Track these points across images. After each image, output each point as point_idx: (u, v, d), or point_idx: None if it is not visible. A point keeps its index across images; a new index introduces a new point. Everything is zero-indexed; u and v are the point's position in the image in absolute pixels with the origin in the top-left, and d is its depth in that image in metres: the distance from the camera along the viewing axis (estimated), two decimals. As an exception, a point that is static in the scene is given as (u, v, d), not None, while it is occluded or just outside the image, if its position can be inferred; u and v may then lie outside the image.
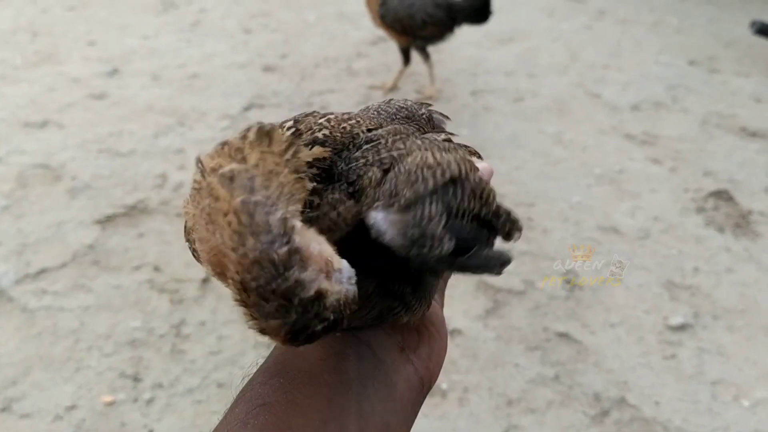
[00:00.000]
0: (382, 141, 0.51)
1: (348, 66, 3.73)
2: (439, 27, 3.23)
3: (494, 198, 0.50)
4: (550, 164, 2.88)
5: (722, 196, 2.70)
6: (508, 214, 0.52)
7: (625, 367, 1.89)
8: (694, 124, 3.29)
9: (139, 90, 3.34)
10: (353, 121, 0.53)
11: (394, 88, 3.45)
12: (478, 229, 0.48)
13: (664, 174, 2.85)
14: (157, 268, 2.15)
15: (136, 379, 1.79)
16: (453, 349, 1.92)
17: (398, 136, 0.52)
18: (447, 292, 2.33)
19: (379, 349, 0.56)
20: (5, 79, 3.39)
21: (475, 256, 0.47)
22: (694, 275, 2.25)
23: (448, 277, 0.69)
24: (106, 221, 2.35)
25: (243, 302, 0.39)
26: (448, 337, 2.04)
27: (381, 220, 0.44)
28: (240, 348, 1.89)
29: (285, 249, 0.39)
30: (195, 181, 0.44)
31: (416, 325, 0.60)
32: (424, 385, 0.57)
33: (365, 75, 3.66)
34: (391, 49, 3.47)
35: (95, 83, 3.38)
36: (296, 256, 0.39)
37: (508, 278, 2.18)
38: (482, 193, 0.49)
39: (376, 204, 0.45)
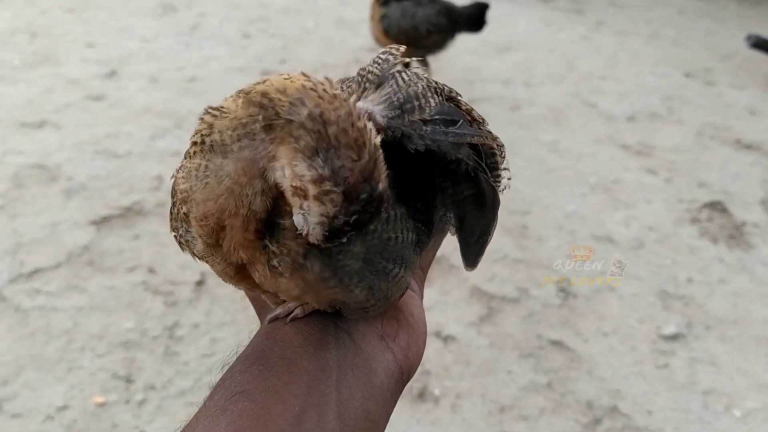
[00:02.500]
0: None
1: (346, 72, 3.71)
2: (443, 34, 3.26)
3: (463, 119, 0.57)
4: (546, 173, 2.89)
5: (716, 207, 2.71)
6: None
7: (618, 376, 1.90)
8: (689, 135, 3.31)
9: (137, 92, 3.34)
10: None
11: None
12: (455, 108, 0.54)
13: (658, 184, 2.86)
14: (151, 270, 2.15)
15: (129, 380, 1.78)
16: (446, 355, 1.92)
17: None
18: (440, 298, 2.34)
19: (359, 337, 0.56)
20: (3, 79, 3.38)
21: (464, 127, 0.52)
22: (688, 285, 2.26)
23: (428, 268, 0.70)
24: (102, 222, 2.34)
25: (314, 144, 0.41)
26: (443, 343, 2.03)
27: (369, 103, 0.49)
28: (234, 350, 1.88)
29: (358, 100, 0.46)
30: (220, 110, 0.48)
31: (395, 314, 0.61)
32: (404, 374, 0.58)
33: (363, 81, 3.66)
34: (389, 56, 3.49)
35: (93, 85, 3.38)
36: (365, 114, 0.45)
37: (502, 285, 2.19)
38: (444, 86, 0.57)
39: (364, 95, 0.51)
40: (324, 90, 0.42)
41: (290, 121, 0.41)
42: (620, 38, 4.66)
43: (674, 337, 2.04)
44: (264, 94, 0.43)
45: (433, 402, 1.78)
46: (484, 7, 3.34)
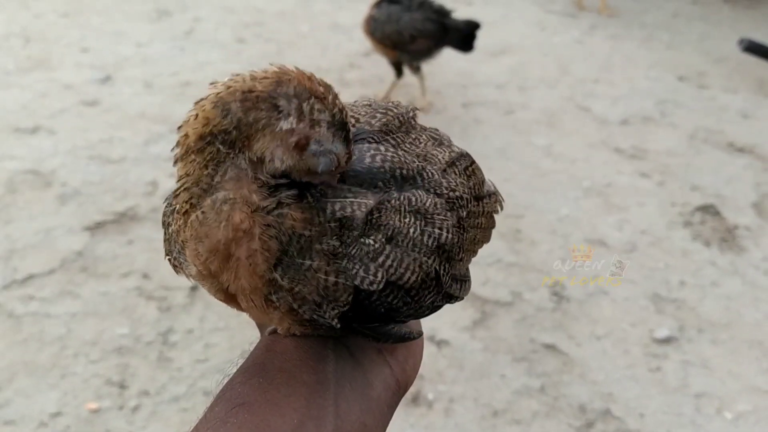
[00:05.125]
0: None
1: (341, 77, 3.75)
2: (429, 40, 3.24)
3: (426, 305, 0.56)
4: (539, 176, 2.91)
5: (709, 210, 2.73)
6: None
7: (611, 379, 1.90)
8: (682, 138, 3.33)
9: (132, 97, 3.34)
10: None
11: (386, 100, 3.46)
12: (388, 314, 0.53)
13: (651, 188, 2.87)
14: (145, 276, 2.15)
15: (122, 386, 1.78)
16: (439, 360, 1.92)
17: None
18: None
19: (358, 350, 0.57)
20: (-3, 84, 3.39)
21: (370, 328, 0.54)
22: (680, 288, 2.27)
23: None
24: (96, 228, 2.35)
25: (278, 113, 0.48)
26: (436, 348, 2.04)
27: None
28: (227, 356, 1.89)
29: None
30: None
31: None
32: (401, 387, 0.59)
33: (358, 86, 3.68)
34: (383, 60, 3.51)
35: (87, 90, 3.38)
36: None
37: (495, 289, 2.19)
38: (413, 294, 0.53)
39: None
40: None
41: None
42: (614, 42, 4.69)
43: (667, 341, 2.05)
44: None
45: (426, 406, 1.79)
46: (474, 27, 3.29)
